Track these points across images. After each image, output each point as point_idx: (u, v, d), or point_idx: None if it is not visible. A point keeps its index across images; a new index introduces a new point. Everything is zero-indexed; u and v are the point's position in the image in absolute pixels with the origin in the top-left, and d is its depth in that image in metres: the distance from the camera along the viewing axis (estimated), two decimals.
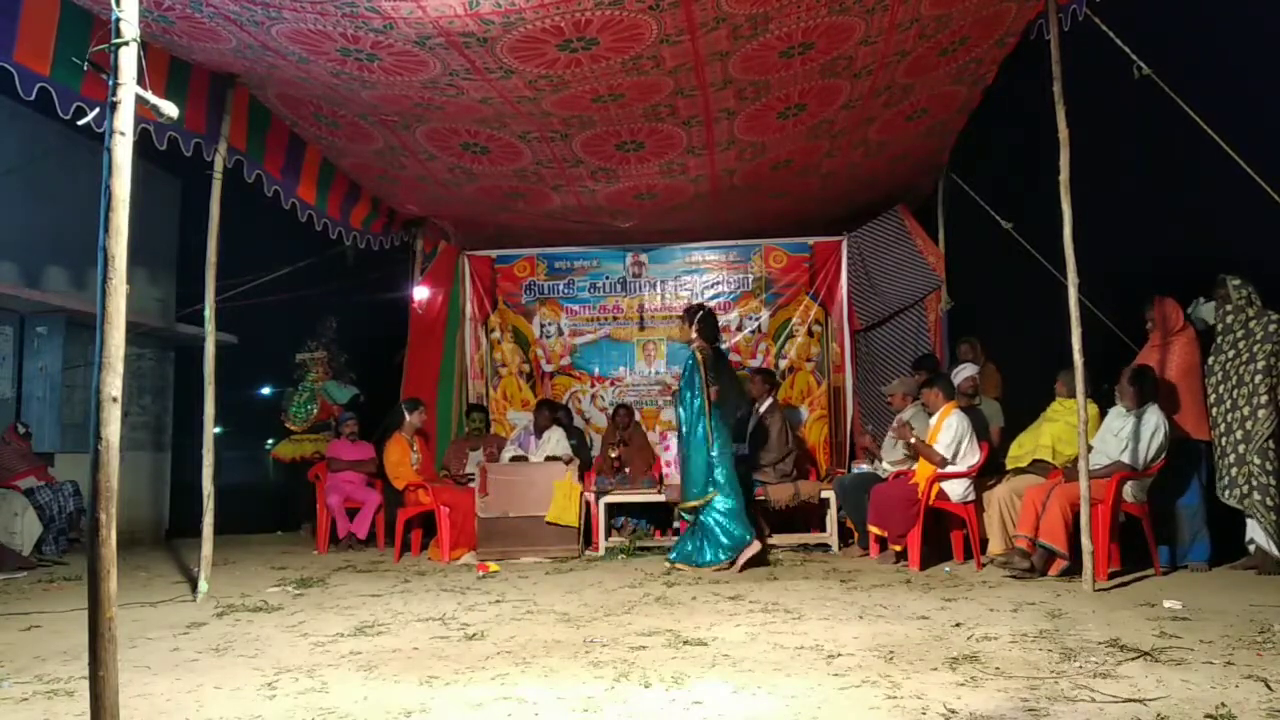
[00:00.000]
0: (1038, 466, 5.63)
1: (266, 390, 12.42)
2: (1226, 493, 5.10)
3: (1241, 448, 5.03)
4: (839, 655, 3.25)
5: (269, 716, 2.67)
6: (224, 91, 5.18)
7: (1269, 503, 4.92)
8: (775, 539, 6.63)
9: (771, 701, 2.70)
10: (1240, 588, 4.60)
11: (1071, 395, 4.99)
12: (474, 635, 3.75)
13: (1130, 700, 2.60)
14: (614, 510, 6.87)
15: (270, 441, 8.55)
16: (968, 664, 3.07)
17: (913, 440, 5.81)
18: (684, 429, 5.88)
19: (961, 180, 7.13)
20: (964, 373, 6.38)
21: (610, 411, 8.06)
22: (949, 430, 5.62)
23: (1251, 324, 5.18)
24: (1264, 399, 4.97)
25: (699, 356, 5.88)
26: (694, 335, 6.00)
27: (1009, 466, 5.82)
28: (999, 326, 7.58)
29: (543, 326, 8.42)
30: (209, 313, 5.06)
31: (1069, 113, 4.64)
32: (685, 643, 3.51)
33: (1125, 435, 5.06)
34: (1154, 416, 5.02)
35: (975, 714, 2.51)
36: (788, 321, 8.21)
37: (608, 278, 8.40)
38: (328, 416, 8.44)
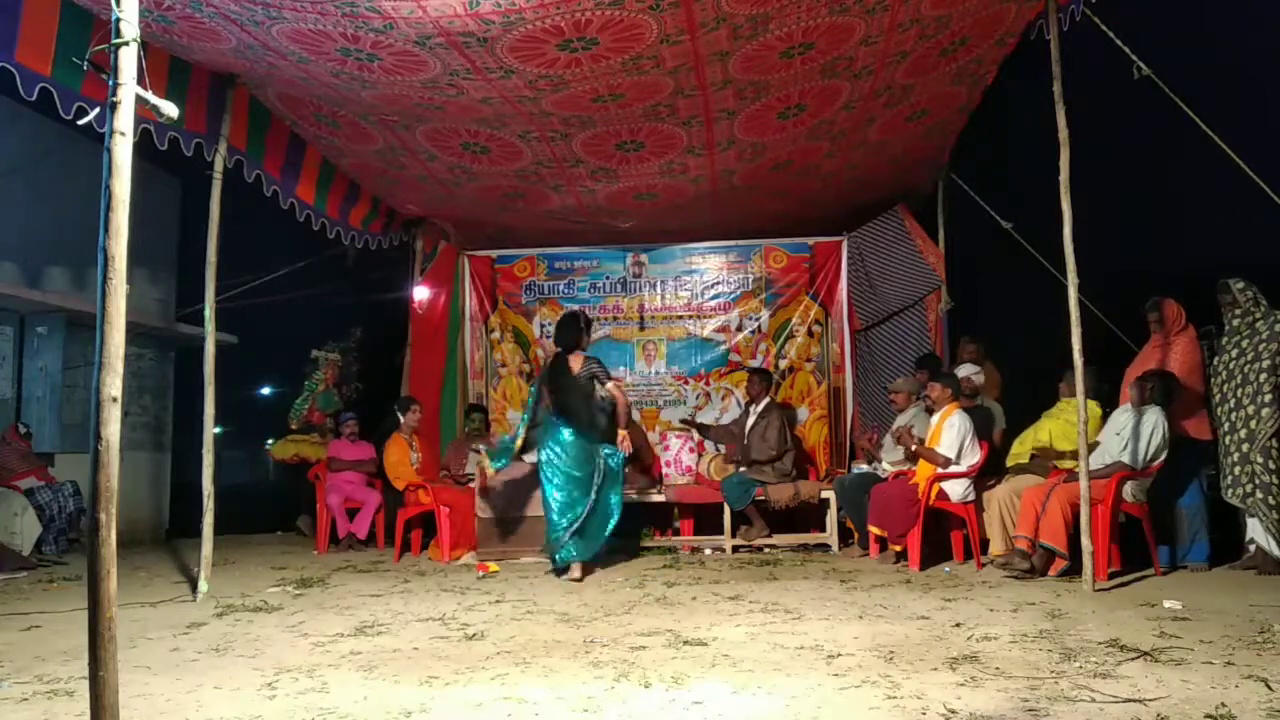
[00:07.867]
0: (1037, 461, 5.63)
1: (266, 390, 12.42)
2: (1230, 492, 5.10)
3: (1245, 446, 5.03)
4: (839, 655, 3.25)
5: (269, 716, 2.67)
6: (224, 91, 5.18)
7: (1271, 501, 4.92)
8: (775, 539, 6.64)
9: (771, 701, 2.70)
10: (1240, 588, 4.60)
11: (1073, 395, 4.99)
12: (474, 635, 3.75)
13: (1130, 700, 2.60)
14: None
15: (270, 441, 8.55)
16: (968, 664, 3.07)
17: (914, 448, 5.81)
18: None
19: (961, 180, 7.13)
20: (963, 373, 6.37)
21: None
22: (952, 430, 5.61)
23: (1258, 324, 5.18)
24: (1268, 397, 4.97)
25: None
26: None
27: (1010, 464, 5.82)
28: (999, 326, 7.59)
29: (543, 327, 8.40)
30: (209, 313, 5.06)
31: (1069, 113, 4.64)
32: (685, 643, 3.51)
33: (1126, 434, 5.07)
34: (1154, 416, 5.02)
35: (975, 714, 2.52)
36: (788, 321, 8.19)
37: (608, 278, 8.39)
38: (319, 421, 8.42)
